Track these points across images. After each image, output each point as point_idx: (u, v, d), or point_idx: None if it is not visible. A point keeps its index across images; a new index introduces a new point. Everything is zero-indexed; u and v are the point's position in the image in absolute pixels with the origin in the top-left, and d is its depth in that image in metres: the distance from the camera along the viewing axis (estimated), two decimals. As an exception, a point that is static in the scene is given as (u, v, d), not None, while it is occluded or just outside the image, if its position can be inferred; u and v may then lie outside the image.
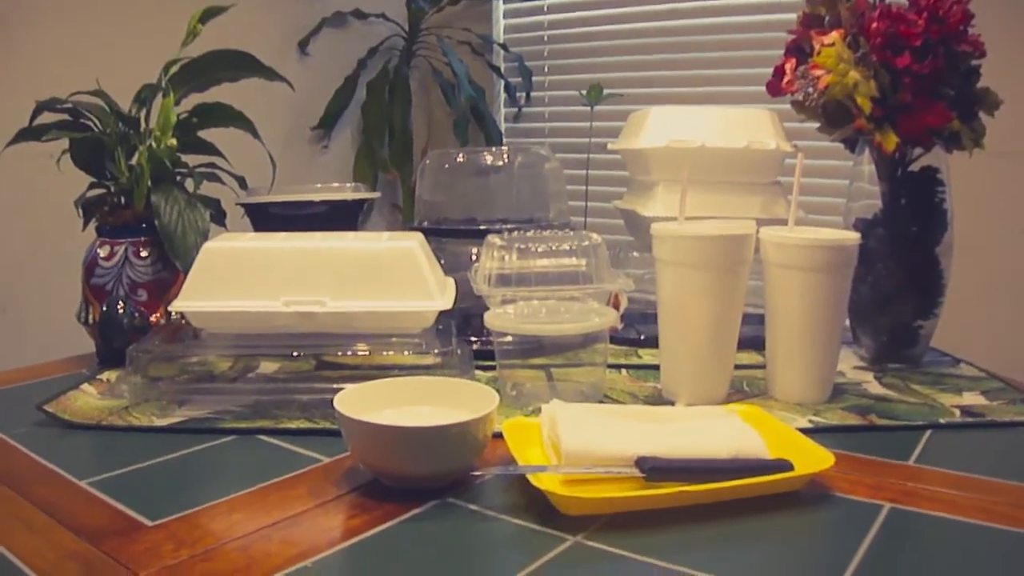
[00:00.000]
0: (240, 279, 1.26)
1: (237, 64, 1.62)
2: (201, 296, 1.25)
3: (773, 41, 2.89)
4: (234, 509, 0.93)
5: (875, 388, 1.31)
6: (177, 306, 1.25)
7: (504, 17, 3.98)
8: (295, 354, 1.31)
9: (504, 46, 3.89)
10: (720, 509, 0.91)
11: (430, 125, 4.00)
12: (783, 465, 0.95)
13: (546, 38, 3.85)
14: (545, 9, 3.83)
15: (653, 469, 0.93)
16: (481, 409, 0.97)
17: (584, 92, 3.13)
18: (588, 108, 3.14)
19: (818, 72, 1.34)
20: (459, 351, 1.25)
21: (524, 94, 3.86)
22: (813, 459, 0.96)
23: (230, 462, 1.08)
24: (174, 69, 1.54)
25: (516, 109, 3.92)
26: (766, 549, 0.86)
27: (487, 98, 3.84)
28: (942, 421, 1.18)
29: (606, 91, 3.13)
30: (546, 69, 3.85)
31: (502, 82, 3.89)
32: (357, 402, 0.99)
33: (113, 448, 1.12)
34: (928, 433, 1.14)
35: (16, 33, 2.77)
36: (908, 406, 1.23)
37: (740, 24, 3.25)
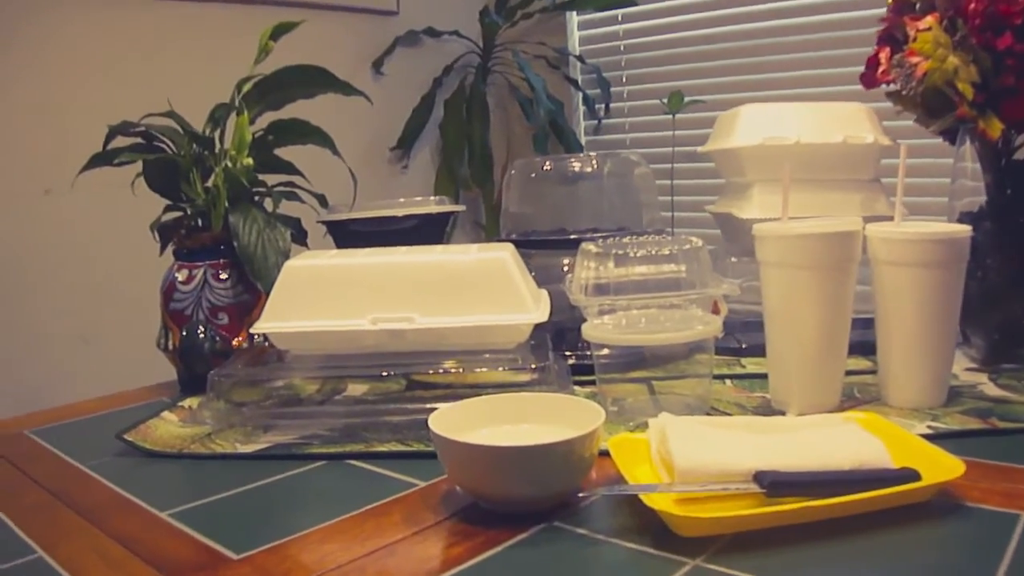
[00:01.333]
0: (324, 298, 1.22)
1: (311, 79, 1.59)
2: (284, 317, 1.22)
3: (855, 39, 2.88)
4: (325, 539, 0.89)
5: (991, 390, 1.25)
6: (259, 328, 1.22)
7: (579, 29, 3.95)
8: (384, 374, 1.25)
9: (580, 58, 3.86)
10: (846, 523, 0.85)
11: (509, 141, 3.96)
12: (910, 475, 0.89)
13: (622, 48, 3.80)
14: (620, 19, 3.78)
15: (773, 484, 0.87)
16: (585, 426, 0.92)
17: (665, 100, 3.08)
18: (670, 116, 3.09)
19: (915, 59, 1.29)
20: (556, 366, 1.19)
21: (603, 105, 3.82)
22: (941, 467, 0.90)
23: (319, 489, 1.04)
24: (247, 87, 1.53)
25: (596, 121, 3.87)
26: (900, 566, 0.79)
27: (566, 111, 3.80)
28: None
29: (687, 98, 3.07)
30: (624, 79, 3.80)
31: (580, 94, 3.85)
32: (453, 422, 0.95)
33: (195, 477, 1.09)
34: None
35: (85, 54, 2.78)
36: None
37: (820, 23, 3.18)
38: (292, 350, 1.27)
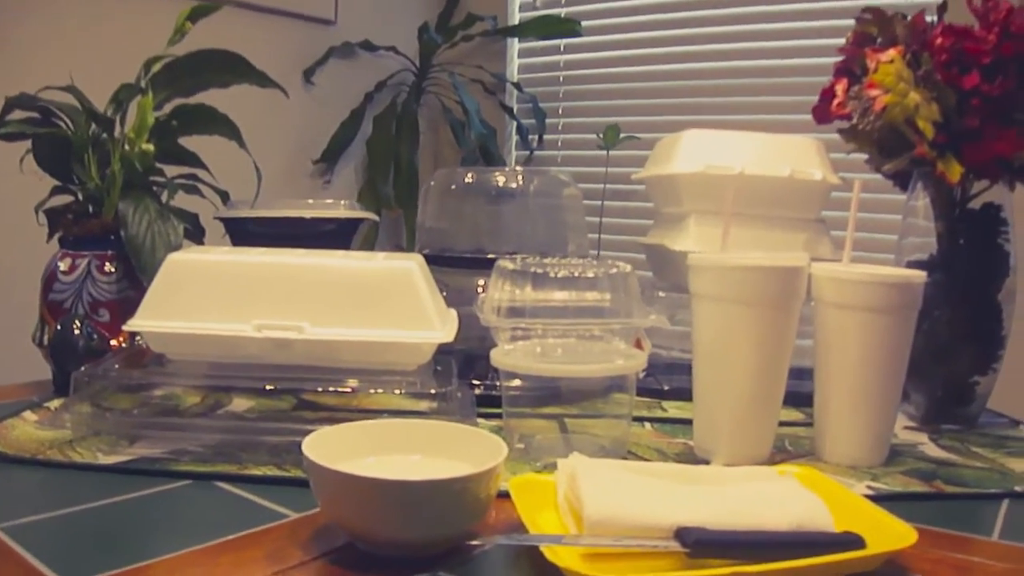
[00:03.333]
0: (208, 297, 1.10)
1: (226, 67, 1.50)
2: (161, 315, 1.10)
3: (804, 86, 2.81)
4: (172, 572, 0.76)
5: (933, 450, 1.17)
6: (132, 325, 1.10)
7: (519, 56, 3.89)
8: (268, 388, 1.13)
9: (518, 85, 3.79)
10: None
11: (437, 163, 3.88)
12: (854, 541, 0.78)
13: (561, 79, 3.74)
14: (561, 49, 3.72)
15: (698, 542, 0.76)
16: (485, 462, 0.80)
17: (600, 135, 2.99)
18: (603, 153, 2.99)
19: (874, 92, 1.21)
20: (460, 394, 1.08)
21: (537, 136, 3.74)
22: (889, 533, 0.80)
23: (178, 512, 0.91)
24: (156, 67, 1.43)
25: (528, 152, 3.78)
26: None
27: (498, 139, 3.72)
28: (1018, 489, 1.03)
29: (623, 134, 2.98)
30: (560, 111, 3.74)
31: (514, 123, 3.78)
32: (333, 447, 0.83)
33: (44, 488, 0.96)
34: (1006, 503, 1.00)
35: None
36: (975, 471, 1.09)
37: (764, 68, 3.16)
38: (168, 354, 1.14)
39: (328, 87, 3.53)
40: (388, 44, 3.62)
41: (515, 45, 3.87)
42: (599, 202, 2.92)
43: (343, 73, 3.58)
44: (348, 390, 1.09)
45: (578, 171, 3.41)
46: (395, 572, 0.77)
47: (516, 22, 3.79)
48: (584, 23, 3.60)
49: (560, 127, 3.75)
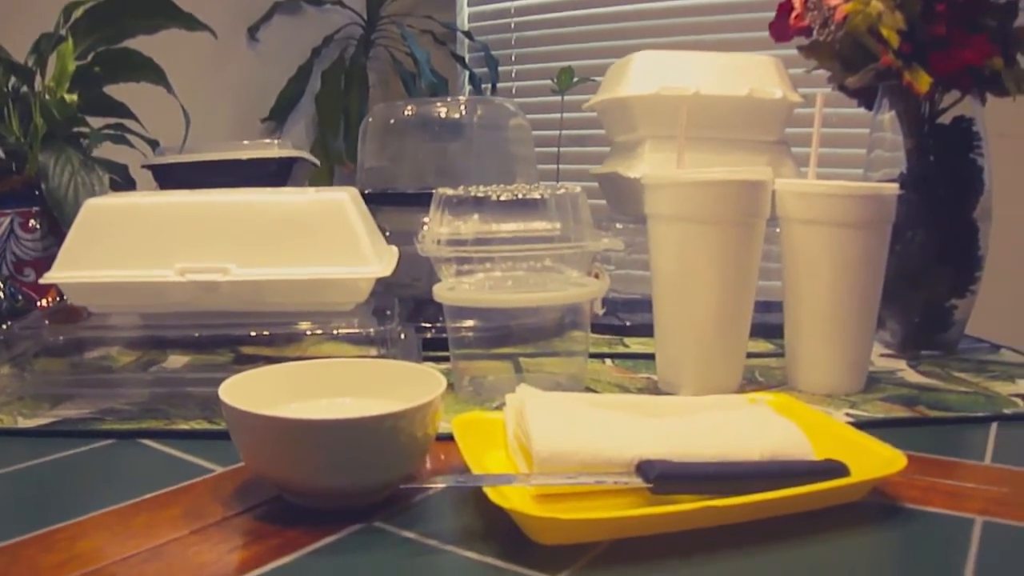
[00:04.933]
0: (129, 244, 1.02)
1: (151, 9, 1.45)
2: (81, 265, 1.01)
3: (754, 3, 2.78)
4: (80, 535, 0.69)
5: (913, 376, 1.12)
6: (49, 277, 1.02)
7: (468, 5, 3.81)
8: (196, 335, 1.05)
9: (469, 34, 3.72)
10: (753, 530, 0.68)
11: (388, 117, 3.77)
12: (837, 468, 0.72)
13: (513, 26, 3.67)
14: (513, -6, 3.64)
15: (662, 477, 0.68)
16: (422, 398, 0.72)
17: (554, 79, 2.92)
18: (558, 99, 2.93)
19: (835, 1, 1.16)
20: (403, 335, 1.00)
21: (490, 84, 3.67)
22: (875, 460, 0.74)
23: (96, 474, 0.83)
24: (77, 13, 1.38)
25: (481, 101, 3.70)
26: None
27: (450, 89, 3.66)
28: (1008, 412, 0.98)
29: (577, 78, 2.91)
30: (513, 59, 3.67)
31: (467, 72, 3.71)
32: (255, 392, 0.75)
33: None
34: (994, 426, 0.95)
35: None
36: (960, 396, 1.04)
37: (720, 4, 3.09)
38: (91, 307, 1.06)
39: (274, 43, 3.45)
40: (334, -2, 3.55)
41: (465, -7, 3.80)
42: (555, 149, 2.86)
43: (289, 28, 3.50)
44: (283, 336, 1.03)
45: (534, 118, 3.34)
46: (324, 525, 0.69)
47: (464, -31, 3.70)
48: (532, -34, 3.51)
49: (513, 75, 3.69)
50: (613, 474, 0.70)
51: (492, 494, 0.65)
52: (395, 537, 0.68)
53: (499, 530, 0.66)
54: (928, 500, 0.74)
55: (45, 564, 0.64)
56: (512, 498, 0.67)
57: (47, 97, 1.31)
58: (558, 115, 2.94)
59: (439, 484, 0.74)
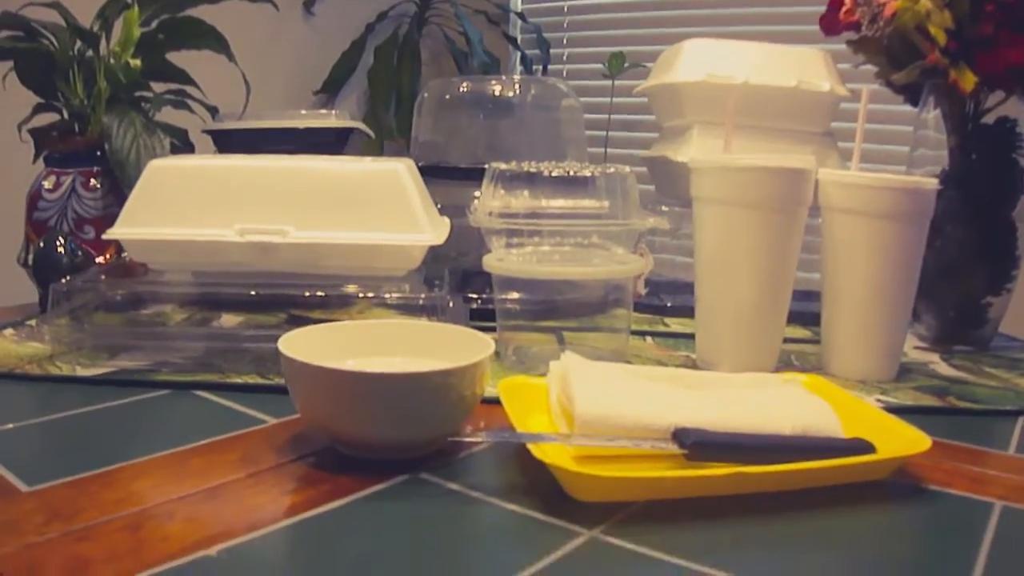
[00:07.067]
0: (190, 204, 1.06)
1: None
2: (141, 223, 1.05)
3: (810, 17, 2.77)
4: (139, 475, 0.72)
5: (944, 369, 1.13)
6: (112, 233, 1.06)
7: (523, -14, 3.79)
8: (252, 293, 1.08)
9: (522, 16, 3.71)
10: (781, 500, 0.70)
11: (440, 94, 3.78)
12: (864, 446, 0.74)
13: (566, 9, 3.67)
14: (566, -22, 3.63)
15: (697, 444, 0.71)
16: (471, 359, 0.75)
17: (605, 63, 2.93)
18: (608, 84, 2.94)
19: None
20: (452, 303, 1.03)
21: (541, 66, 3.66)
22: (901, 440, 0.76)
23: (154, 420, 0.87)
24: None
25: (532, 83, 3.70)
26: (856, 556, 0.65)
27: (501, 70, 3.65)
28: None
29: (628, 63, 2.92)
30: (565, 41, 3.67)
31: (518, 53, 3.71)
32: (312, 347, 0.78)
33: (17, 400, 0.92)
34: (1021, 420, 0.96)
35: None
36: (989, 390, 1.04)
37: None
38: (150, 263, 1.10)
39: (329, 17, 3.46)
40: (389, -26, 3.54)
41: (519, -25, 3.79)
42: (604, 132, 2.87)
43: (344, 3, 3.51)
44: (335, 300, 1.05)
45: (584, 102, 3.36)
46: (372, 474, 0.72)
47: (520, -49, 3.69)
48: (590, -50, 3.50)
49: (565, 57, 3.68)
50: (651, 439, 0.73)
51: (535, 450, 0.68)
52: (440, 488, 0.71)
53: (539, 486, 0.69)
54: (951, 483, 0.76)
55: (107, 499, 0.67)
56: (553, 455, 0.69)
57: (111, 61, 1.33)
58: (607, 99, 2.93)
59: (484, 437, 0.77)
